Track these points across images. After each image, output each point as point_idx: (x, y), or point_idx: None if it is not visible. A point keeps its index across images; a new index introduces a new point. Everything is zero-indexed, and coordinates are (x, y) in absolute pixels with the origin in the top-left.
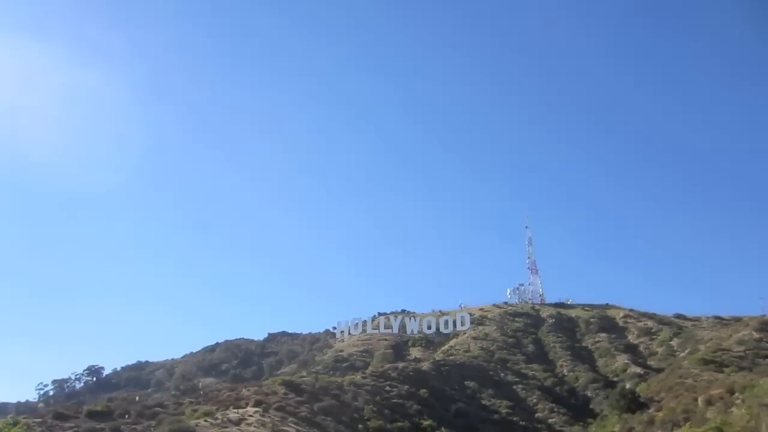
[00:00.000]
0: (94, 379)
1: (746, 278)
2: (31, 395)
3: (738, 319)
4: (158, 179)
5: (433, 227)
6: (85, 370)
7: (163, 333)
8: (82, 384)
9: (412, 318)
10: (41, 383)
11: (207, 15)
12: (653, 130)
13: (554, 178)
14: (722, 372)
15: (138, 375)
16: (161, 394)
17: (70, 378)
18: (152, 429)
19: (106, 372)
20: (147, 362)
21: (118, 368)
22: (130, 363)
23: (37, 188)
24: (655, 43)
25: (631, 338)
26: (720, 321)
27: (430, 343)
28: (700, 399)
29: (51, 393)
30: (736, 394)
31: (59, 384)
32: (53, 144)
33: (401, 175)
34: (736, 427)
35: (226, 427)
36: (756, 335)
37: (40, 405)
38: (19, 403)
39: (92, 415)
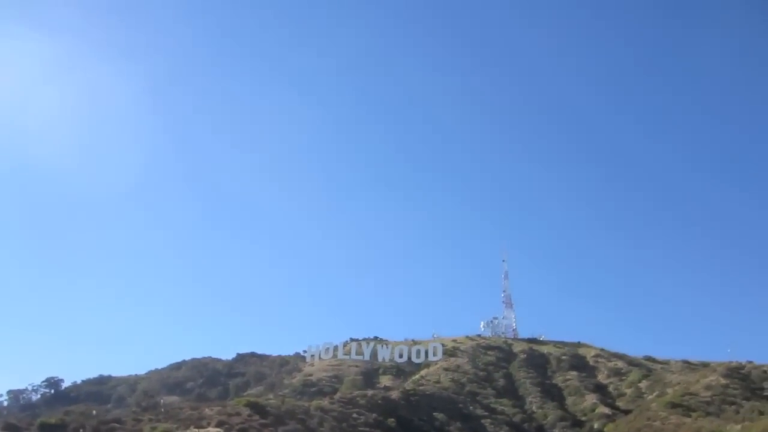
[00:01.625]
0: (52, 391)
1: (716, 325)
2: None
3: (706, 365)
4: (136, 185)
5: (409, 256)
6: (43, 382)
7: (128, 347)
8: (39, 396)
9: (385, 345)
10: None
11: (216, 14)
12: (629, 168)
13: (533, 213)
14: (689, 416)
15: (99, 389)
16: (121, 410)
17: (26, 389)
18: None
19: (65, 384)
20: (109, 377)
21: (79, 381)
22: (91, 377)
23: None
24: (633, 75)
25: (601, 378)
26: (688, 365)
27: (401, 371)
28: None
29: (5, 404)
30: None
31: (14, 395)
32: (58, 142)
33: (379, 200)
34: None
35: None
36: (723, 381)
37: None
38: None
39: (45, 428)
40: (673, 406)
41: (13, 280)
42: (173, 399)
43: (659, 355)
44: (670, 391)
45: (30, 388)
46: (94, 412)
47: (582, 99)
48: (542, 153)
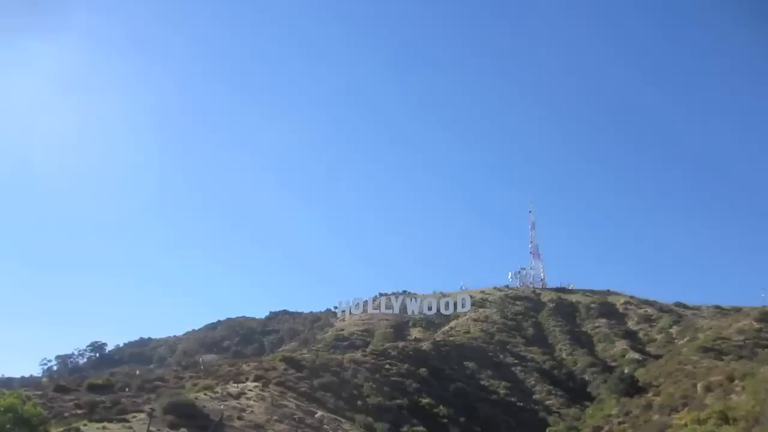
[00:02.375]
0: (97, 355)
1: (748, 269)
2: (35, 371)
3: (738, 309)
4: (168, 164)
5: (437, 210)
6: (88, 346)
7: (166, 311)
8: (85, 360)
9: (414, 299)
10: (45, 359)
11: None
12: (655, 125)
13: (559, 165)
14: (722, 360)
15: (140, 351)
16: (163, 369)
17: (73, 354)
18: (152, 402)
19: (109, 348)
20: (150, 339)
21: (121, 345)
22: (132, 340)
23: (46, 166)
24: (655, 41)
25: (631, 325)
26: (720, 310)
27: (430, 323)
28: (699, 385)
29: (54, 368)
30: (736, 382)
31: (62, 359)
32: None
33: (406, 159)
34: (741, 412)
35: (226, 401)
36: (756, 325)
37: (44, 380)
38: (23, 378)
39: (93, 388)
40: (705, 350)
41: (58, 254)
42: (211, 357)
43: (690, 301)
44: (701, 336)
45: (76, 352)
46: (138, 372)
47: (610, 66)
48: (567, 111)
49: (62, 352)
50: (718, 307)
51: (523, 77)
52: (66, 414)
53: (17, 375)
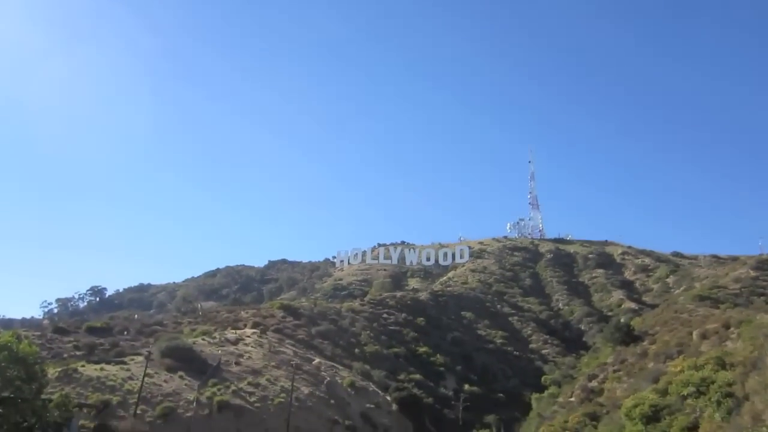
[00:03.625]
0: (98, 299)
1: (745, 218)
2: (36, 312)
3: (735, 258)
4: (174, 115)
5: (434, 161)
6: (88, 290)
7: (165, 256)
8: (85, 304)
9: (412, 249)
10: (45, 301)
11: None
12: (653, 74)
13: (556, 115)
14: (718, 308)
15: (140, 297)
16: (163, 315)
17: (73, 297)
18: (150, 345)
19: (109, 293)
20: (149, 285)
21: (121, 290)
22: (132, 285)
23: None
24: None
25: (628, 275)
26: (717, 260)
27: (428, 274)
28: (694, 333)
29: (55, 311)
30: (732, 329)
31: (63, 302)
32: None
33: (406, 111)
34: (738, 357)
35: (224, 346)
36: (753, 273)
37: (45, 322)
38: (23, 319)
39: (92, 330)
40: (701, 298)
41: (56, 201)
42: (210, 304)
43: (688, 251)
44: (698, 285)
45: (76, 296)
46: (136, 316)
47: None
48: (564, 61)
49: (62, 296)
50: (715, 256)
51: (522, 24)
52: (65, 355)
53: (18, 316)
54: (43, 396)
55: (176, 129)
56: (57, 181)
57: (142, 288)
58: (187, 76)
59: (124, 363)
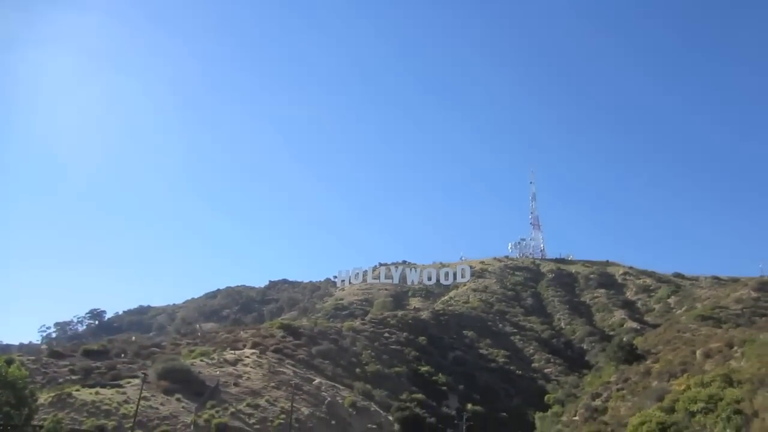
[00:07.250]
0: (96, 322)
1: (746, 240)
2: (34, 337)
3: (736, 280)
4: (176, 132)
5: (435, 180)
6: (87, 314)
7: (165, 277)
8: (84, 327)
9: (413, 269)
10: (44, 326)
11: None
12: (653, 95)
13: (559, 137)
14: (720, 328)
15: (140, 319)
16: (162, 337)
17: (72, 321)
18: (147, 367)
19: (108, 316)
20: (149, 307)
21: (120, 312)
22: (132, 308)
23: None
24: (650, 32)
25: (630, 294)
26: (718, 281)
27: (430, 293)
28: (698, 352)
29: (53, 336)
30: (735, 348)
31: (61, 326)
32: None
33: (408, 131)
34: (745, 375)
35: (222, 367)
36: (754, 294)
37: (43, 347)
38: (21, 344)
39: (88, 354)
40: (703, 318)
41: (58, 221)
42: (210, 325)
43: (688, 272)
44: (699, 305)
45: (75, 319)
46: (134, 338)
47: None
48: (565, 84)
49: (61, 319)
50: (716, 277)
51: (527, 45)
52: (60, 379)
53: (16, 342)
54: (34, 422)
55: (176, 151)
56: (57, 200)
57: (141, 310)
58: (187, 102)
59: (120, 386)
